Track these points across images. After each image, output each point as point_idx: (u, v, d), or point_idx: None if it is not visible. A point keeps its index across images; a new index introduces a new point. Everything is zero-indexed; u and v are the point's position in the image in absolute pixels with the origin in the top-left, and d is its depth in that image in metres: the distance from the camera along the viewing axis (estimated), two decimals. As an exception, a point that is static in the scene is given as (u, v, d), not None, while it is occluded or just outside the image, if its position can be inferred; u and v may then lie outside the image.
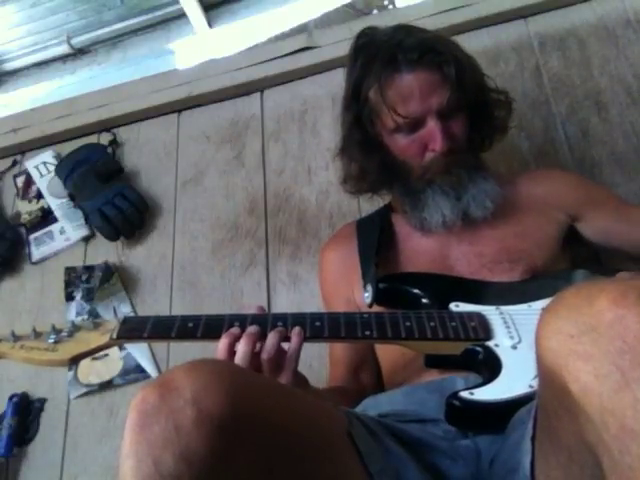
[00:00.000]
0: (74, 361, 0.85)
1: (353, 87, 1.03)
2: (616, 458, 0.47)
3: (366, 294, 0.97)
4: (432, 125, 0.97)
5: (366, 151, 1.06)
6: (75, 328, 0.86)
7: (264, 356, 0.77)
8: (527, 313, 0.88)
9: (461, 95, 0.97)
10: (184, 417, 0.55)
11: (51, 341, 0.84)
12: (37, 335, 0.86)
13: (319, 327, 0.82)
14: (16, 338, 0.85)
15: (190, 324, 0.82)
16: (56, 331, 0.85)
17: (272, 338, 0.78)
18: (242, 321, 0.81)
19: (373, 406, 0.91)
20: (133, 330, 0.83)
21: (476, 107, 1.02)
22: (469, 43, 1.43)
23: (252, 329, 0.79)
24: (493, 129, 1.08)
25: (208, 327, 0.82)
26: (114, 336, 0.83)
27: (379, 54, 1.00)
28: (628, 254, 1.06)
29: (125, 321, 0.85)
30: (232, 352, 0.78)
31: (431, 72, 0.96)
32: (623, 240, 1.05)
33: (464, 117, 1.00)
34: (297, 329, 0.80)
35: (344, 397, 0.96)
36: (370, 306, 0.95)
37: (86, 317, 1.35)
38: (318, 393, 0.90)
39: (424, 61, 0.96)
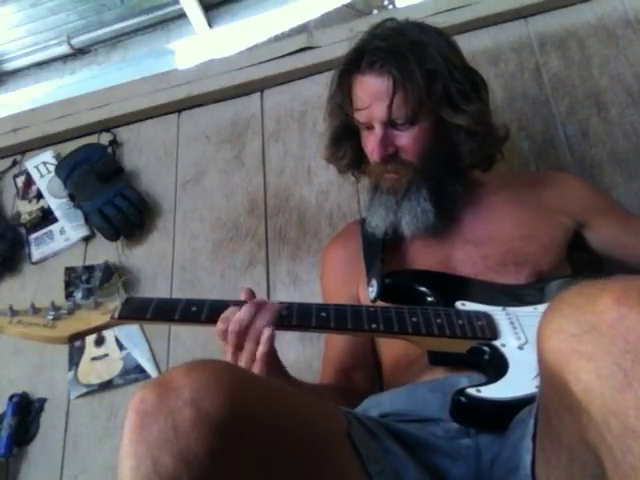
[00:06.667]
0: (73, 339, 0.83)
1: (339, 72, 1.03)
2: (618, 458, 0.47)
3: (370, 289, 0.97)
4: (373, 132, 0.98)
5: (342, 135, 1.08)
6: (76, 306, 0.84)
7: (231, 327, 0.78)
8: (533, 315, 0.87)
9: (415, 108, 0.94)
10: (183, 417, 0.55)
11: (50, 317, 0.82)
12: (36, 311, 0.83)
13: (325, 318, 0.82)
14: (14, 313, 0.83)
15: (194, 307, 0.82)
16: (55, 308, 0.83)
17: (244, 311, 0.79)
18: None
19: (375, 405, 0.90)
20: (135, 311, 0.83)
21: (446, 124, 0.98)
22: (469, 43, 1.43)
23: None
24: (471, 151, 1.00)
25: (212, 311, 0.82)
26: (115, 316, 0.82)
27: (355, 48, 1.00)
28: (629, 265, 1.05)
29: (127, 301, 0.84)
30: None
31: (382, 80, 0.94)
32: (627, 251, 1.05)
33: (419, 130, 0.97)
34: (266, 335, 0.79)
35: (332, 394, 0.95)
36: (374, 301, 0.95)
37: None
38: (301, 385, 0.90)
39: (381, 68, 0.94)
